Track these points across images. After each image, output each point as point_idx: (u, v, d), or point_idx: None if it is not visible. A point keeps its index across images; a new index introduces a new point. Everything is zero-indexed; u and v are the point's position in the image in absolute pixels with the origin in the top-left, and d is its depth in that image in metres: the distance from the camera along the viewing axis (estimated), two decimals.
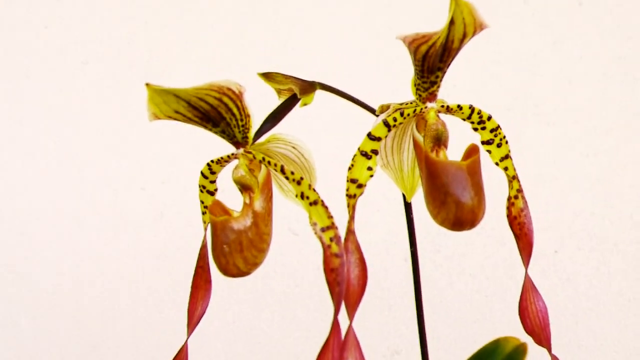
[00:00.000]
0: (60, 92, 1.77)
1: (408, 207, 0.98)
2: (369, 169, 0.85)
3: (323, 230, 0.83)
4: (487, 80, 1.65)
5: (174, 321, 1.72)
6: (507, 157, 0.89)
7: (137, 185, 1.75)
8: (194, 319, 0.94)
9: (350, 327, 0.82)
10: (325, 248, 0.82)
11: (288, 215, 1.23)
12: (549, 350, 0.91)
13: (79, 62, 1.76)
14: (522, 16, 1.66)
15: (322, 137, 1.16)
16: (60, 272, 1.80)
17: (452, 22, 0.78)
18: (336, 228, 0.83)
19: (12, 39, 1.77)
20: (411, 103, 0.87)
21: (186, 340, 0.95)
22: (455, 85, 1.67)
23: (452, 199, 0.81)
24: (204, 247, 0.94)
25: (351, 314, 0.82)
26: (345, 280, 0.82)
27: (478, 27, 0.80)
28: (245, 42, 1.69)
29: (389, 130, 0.85)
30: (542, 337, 0.91)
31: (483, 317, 1.54)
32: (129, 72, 1.76)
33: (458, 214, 0.81)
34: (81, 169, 1.78)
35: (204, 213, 0.93)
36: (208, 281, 0.95)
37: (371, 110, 0.95)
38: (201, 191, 0.92)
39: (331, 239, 0.82)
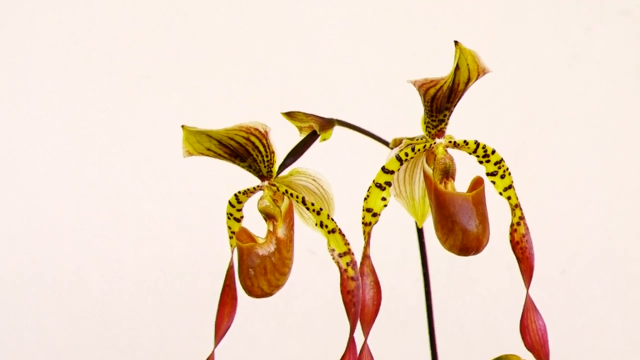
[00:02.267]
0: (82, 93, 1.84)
1: (420, 232, 1.06)
2: (383, 199, 0.94)
3: (340, 255, 0.91)
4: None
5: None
6: (510, 187, 0.97)
7: (162, 193, 1.84)
8: (220, 332, 1.03)
9: (365, 343, 0.90)
10: (342, 272, 0.91)
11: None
12: None
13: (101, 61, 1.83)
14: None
15: (340, 169, 1.24)
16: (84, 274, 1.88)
17: (457, 68, 0.87)
18: (352, 254, 0.91)
19: (13, 38, 1.84)
20: (421, 139, 0.95)
21: (213, 350, 1.03)
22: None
23: (458, 227, 0.89)
24: (230, 268, 1.02)
25: (366, 332, 0.91)
26: (360, 301, 0.90)
27: (481, 71, 0.88)
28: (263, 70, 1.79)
29: (401, 164, 0.94)
30: (542, 353, 0.99)
31: (493, 336, 1.62)
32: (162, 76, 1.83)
33: (464, 241, 0.89)
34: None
35: (230, 237, 1.01)
36: (234, 298, 1.04)
37: (385, 143, 1.03)
38: (228, 218, 1.00)
39: (347, 264, 0.91)
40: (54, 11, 1.83)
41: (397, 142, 1.00)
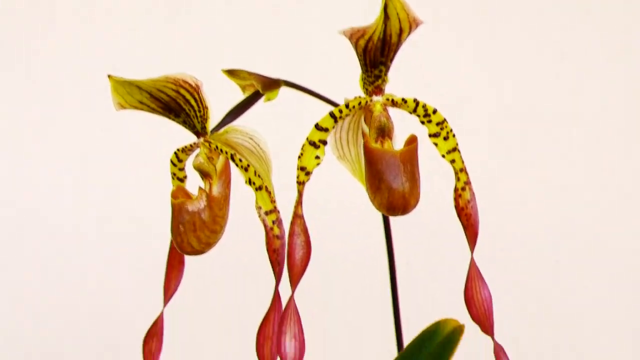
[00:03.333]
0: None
1: None
2: (317, 157, 0.91)
3: (267, 213, 0.90)
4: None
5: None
6: (454, 150, 0.93)
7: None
8: (168, 294, 1.04)
9: (291, 298, 0.88)
10: (268, 230, 0.89)
11: None
12: (492, 337, 0.94)
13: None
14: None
15: (288, 131, 1.22)
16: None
17: (387, 17, 0.84)
18: (278, 212, 0.90)
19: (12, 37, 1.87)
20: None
21: (161, 312, 1.04)
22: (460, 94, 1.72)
23: (385, 185, 0.86)
24: None
25: (293, 288, 0.88)
26: (284, 260, 0.88)
27: (413, 22, 0.85)
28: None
29: (336, 122, 0.91)
30: (487, 325, 0.94)
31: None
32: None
33: (390, 199, 0.86)
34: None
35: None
36: (181, 262, 1.04)
37: (335, 105, 1.01)
38: (172, 178, 0.99)
39: (273, 222, 0.89)
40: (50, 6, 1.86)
41: None
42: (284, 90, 1.01)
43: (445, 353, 0.82)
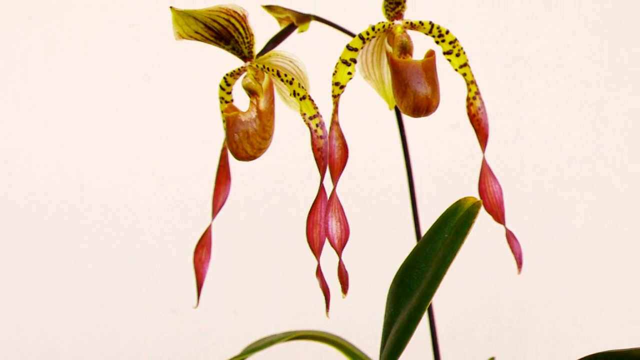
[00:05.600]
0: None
1: (399, 116, 1.20)
2: (349, 73, 1.07)
3: (311, 118, 1.05)
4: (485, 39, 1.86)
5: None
6: (465, 65, 1.10)
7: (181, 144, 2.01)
8: (216, 207, 1.18)
9: (334, 190, 1.03)
10: (312, 132, 1.05)
11: None
12: (504, 224, 1.11)
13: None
14: None
15: (318, 60, 1.38)
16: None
17: None
18: (321, 116, 1.05)
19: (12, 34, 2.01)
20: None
21: (210, 223, 1.18)
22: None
23: (410, 90, 1.02)
24: (224, 149, 1.17)
25: (335, 182, 1.04)
26: (328, 156, 1.04)
27: None
28: None
29: (364, 42, 1.07)
30: (499, 214, 1.11)
31: None
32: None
33: (416, 100, 1.02)
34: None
35: (224, 121, 1.16)
36: (228, 178, 1.19)
37: None
38: (221, 102, 1.15)
39: (317, 125, 1.05)
40: None
41: None
42: (313, 24, 1.17)
43: (467, 223, 0.97)
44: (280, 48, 1.12)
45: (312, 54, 1.18)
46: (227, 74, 1.12)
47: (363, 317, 1.83)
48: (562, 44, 1.87)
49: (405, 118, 1.20)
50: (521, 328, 1.90)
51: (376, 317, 1.27)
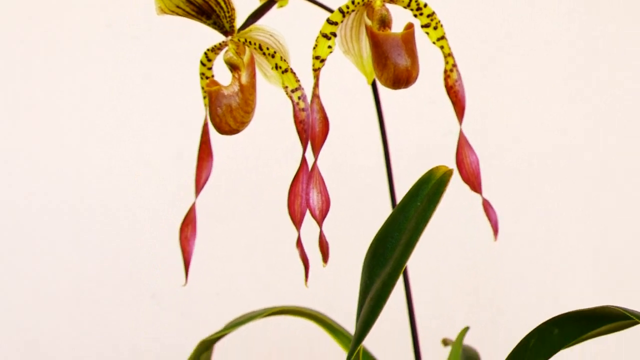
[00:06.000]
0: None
1: (374, 87, 1.22)
2: (329, 47, 1.09)
3: (293, 91, 1.07)
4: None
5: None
6: (442, 37, 1.12)
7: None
8: (199, 185, 1.19)
9: (315, 162, 1.05)
10: (294, 105, 1.07)
11: None
12: (481, 194, 1.13)
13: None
14: None
15: (299, 35, 1.39)
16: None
17: None
18: (302, 89, 1.07)
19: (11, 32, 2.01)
20: None
21: (194, 201, 1.19)
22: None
23: (390, 62, 1.04)
24: (205, 124, 1.18)
25: (316, 155, 1.06)
26: (310, 128, 1.06)
27: None
28: None
29: (344, 16, 1.09)
30: (476, 184, 1.14)
31: None
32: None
33: (396, 72, 1.04)
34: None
35: (204, 97, 1.17)
36: (210, 154, 1.20)
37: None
38: (201, 78, 1.16)
39: (299, 98, 1.07)
40: None
41: None
42: None
43: (439, 191, 0.99)
44: (261, 22, 1.13)
45: (291, 29, 1.20)
46: (208, 49, 1.13)
47: (342, 293, 1.87)
48: (539, 14, 1.90)
49: (383, 93, 1.22)
50: (497, 298, 1.94)
51: (355, 292, 1.30)
